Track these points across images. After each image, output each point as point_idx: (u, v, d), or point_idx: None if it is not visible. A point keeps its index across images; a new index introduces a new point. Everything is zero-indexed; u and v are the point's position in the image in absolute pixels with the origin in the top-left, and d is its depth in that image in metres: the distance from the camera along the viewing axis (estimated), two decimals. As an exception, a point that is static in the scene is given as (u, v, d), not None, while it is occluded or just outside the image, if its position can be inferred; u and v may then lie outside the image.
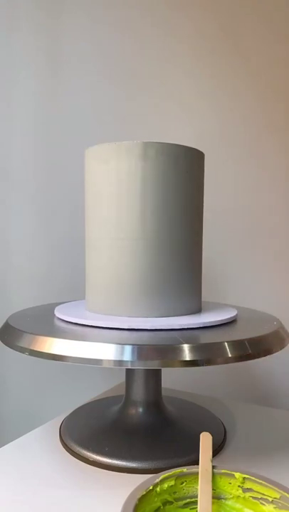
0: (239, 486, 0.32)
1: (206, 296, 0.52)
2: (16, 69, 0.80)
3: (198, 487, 0.31)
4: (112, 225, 0.44)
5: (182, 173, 0.44)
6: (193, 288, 0.47)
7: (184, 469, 0.33)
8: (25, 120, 0.81)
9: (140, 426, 0.48)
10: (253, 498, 0.32)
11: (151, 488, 0.30)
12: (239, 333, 0.42)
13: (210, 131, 0.72)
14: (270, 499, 0.31)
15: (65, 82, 0.79)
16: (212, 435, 0.38)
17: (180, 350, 0.36)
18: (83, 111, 0.78)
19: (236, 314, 0.48)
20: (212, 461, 0.33)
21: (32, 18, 0.79)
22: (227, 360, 0.37)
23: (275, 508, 0.30)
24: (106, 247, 0.45)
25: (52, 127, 0.80)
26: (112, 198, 0.44)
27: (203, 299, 0.51)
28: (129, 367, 0.37)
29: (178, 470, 0.32)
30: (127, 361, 0.35)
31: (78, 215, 0.65)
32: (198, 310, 0.48)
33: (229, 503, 0.32)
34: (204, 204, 0.50)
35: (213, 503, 0.31)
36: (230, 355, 0.37)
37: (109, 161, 0.44)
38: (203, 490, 0.31)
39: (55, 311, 0.48)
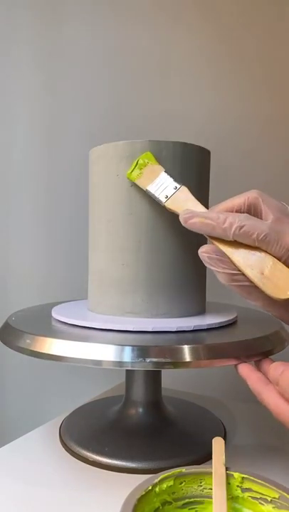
0: (238, 486, 0.32)
1: (207, 296, 0.52)
2: (16, 69, 0.81)
3: (213, 492, 0.31)
4: (115, 226, 0.44)
5: (188, 172, 0.44)
6: (197, 289, 0.47)
7: (183, 469, 0.33)
8: (26, 121, 0.81)
9: (140, 426, 0.48)
10: (252, 498, 0.32)
11: (150, 488, 0.30)
12: (240, 334, 0.42)
13: (213, 130, 0.72)
14: (269, 499, 0.31)
15: (66, 82, 0.79)
16: (212, 435, 0.38)
17: (180, 352, 0.36)
18: (84, 111, 0.78)
19: (236, 316, 0.48)
20: (225, 465, 0.33)
21: (32, 19, 0.79)
22: (227, 362, 0.37)
23: (273, 507, 0.30)
24: (109, 247, 0.45)
25: (52, 128, 0.80)
26: (116, 197, 0.44)
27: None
28: (129, 368, 0.37)
29: (177, 470, 0.32)
30: (126, 362, 0.35)
31: (79, 215, 0.65)
32: (201, 311, 0.48)
33: (228, 503, 0.32)
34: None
35: (211, 502, 0.31)
36: (230, 357, 0.37)
37: (114, 161, 0.44)
38: (217, 495, 0.31)
39: (56, 312, 0.48)
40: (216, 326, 0.43)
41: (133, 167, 0.41)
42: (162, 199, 0.39)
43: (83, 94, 0.78)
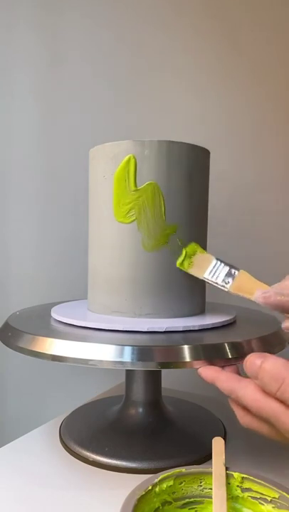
0: (238, 486, 0.32)
1: (206, 295, 0.52)
2: (16, 68, 0.81)
3: (212, 492, 0.31)
4: (114, 226, 0.44)
5: (186, 172, 0.44)
6: (197, 289, 0.46)
7: (183, 469, 0.33)
8: (25, 120, 0.81)
9: (140, 426, 0.48)
10: (252, 497, 0.32)
11: (150, 488, 0.30)
12: (239, 334, 0.42)
13: (212, 130, 0.72)
14: (269, 499, 0.31)
15: (66, 82, 0.79)
16: (212, 435, 0.38)
17: (180, 352, 0.36)
18: (84, 110, 0.78)
19: (235, 316, 0.48)
20: (225, 465, 0.33)
21: (32, 16, 0.79)
22: (227, 362, 0.37)
23: (273, 507, 0.30)
24: (99, 246, 0.45)
25: (53, 127, 0.80)
26: (103, 197, 0.44)
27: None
28: (129, 368, 0.37)
29: (176, 470, 0.32)
30: (126, 362, 0.35)
31: (79, 215, 0.65)
32: (201, 311, 0.48)
33: (228, 503, 0.32)
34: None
35: (211, 502, 0.31)
36: (230, 357, 0.37)
37: (102, 162, 0.44)
38: (217, 495, 0.31)
39: (55, 312, 0.48)
40: (211, 327, 0.43)
41: (183, 257, 0.43)
42: (225, 285, 0.41)
43: (82, 94, 0.78)
